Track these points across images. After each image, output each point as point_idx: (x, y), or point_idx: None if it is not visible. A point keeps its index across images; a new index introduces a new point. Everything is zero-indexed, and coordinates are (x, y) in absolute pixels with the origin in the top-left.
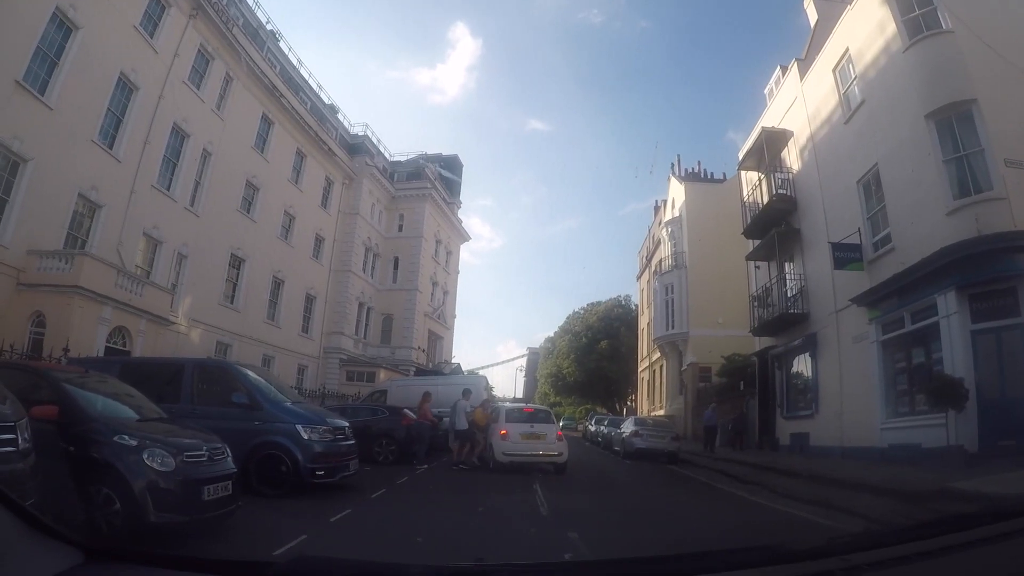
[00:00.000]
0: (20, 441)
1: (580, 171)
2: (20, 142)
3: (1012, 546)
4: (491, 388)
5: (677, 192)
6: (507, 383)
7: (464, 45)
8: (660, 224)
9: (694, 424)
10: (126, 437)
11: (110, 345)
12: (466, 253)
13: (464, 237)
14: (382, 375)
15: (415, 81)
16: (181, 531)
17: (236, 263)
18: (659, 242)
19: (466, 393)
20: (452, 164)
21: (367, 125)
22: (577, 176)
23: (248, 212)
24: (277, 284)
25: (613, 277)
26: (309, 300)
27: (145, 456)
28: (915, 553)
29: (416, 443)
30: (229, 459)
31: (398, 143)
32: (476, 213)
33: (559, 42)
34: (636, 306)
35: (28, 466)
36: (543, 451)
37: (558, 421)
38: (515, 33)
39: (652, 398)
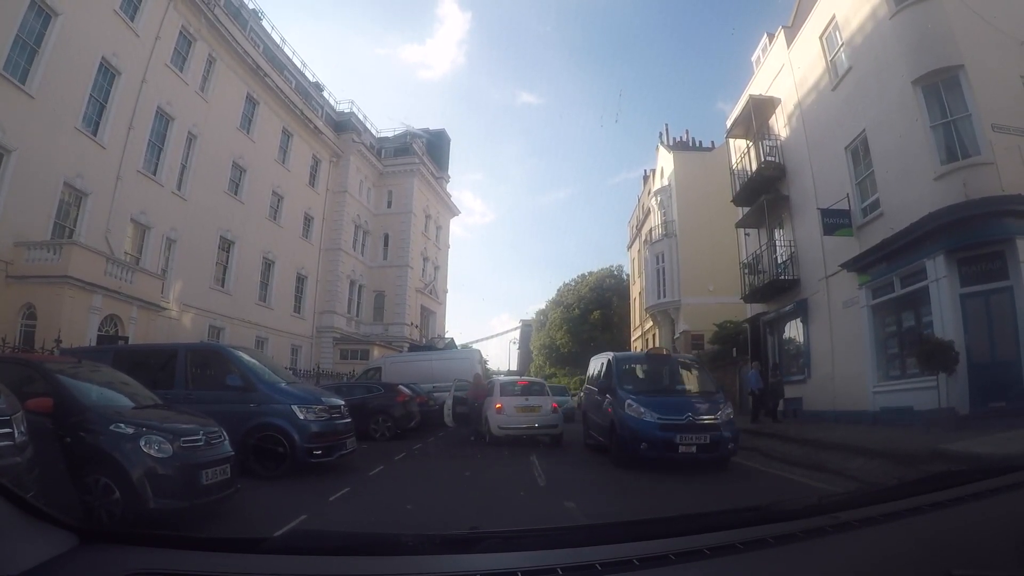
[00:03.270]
0: (16, 435)
1: (570, 142)
2: (2, 133)
3: (1000, 501)
4: (485, 361)
5: (666, 161)
6: (501, 356)
7: (453, 19)
8: (649, 193)
9: None
10: (122, 425)
11: (102, 333)
12: (459, 228)
13: (453, 211)
14: (376, 352)
15: (404, 58)
16: (181, 516)
17: (226, 246)
18: (649, 211)
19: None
20: (439, 138)
21: (353, 102)
22: (567, 147)
23: (236, 194)
24: (268, 265)
25: (605, 247)
26: (300, 280)
27: (142, 443)
28: (905, 509)
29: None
30: (226, 442)
31: (388, 120)
32: (468, 188)
33: (550, 13)
34: (627, 276)
35: (25, 459)
36: (539, 424)
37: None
38: (505, 4)
39: None
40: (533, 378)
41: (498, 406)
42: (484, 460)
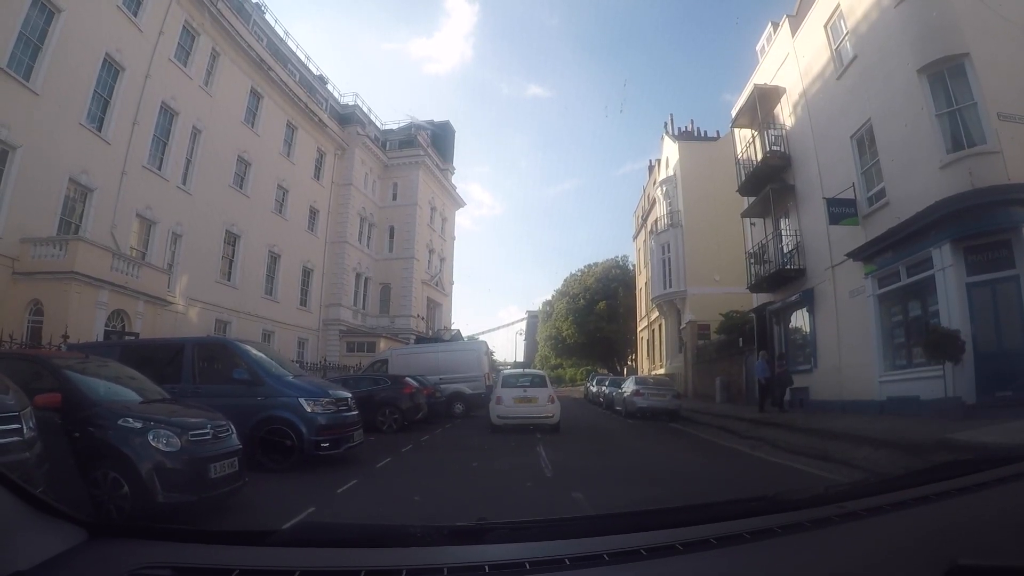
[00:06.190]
0: (25, 430)
1: (577, 134)
2: (7, 130)
3: (1007, 491)
4: (491, 353)
5: (671, 151)
6: (508, 347)
7: (460, 13)
8: (655, 183)
9: (694, 382)
10: (130, 420)
11: (109, 328)
12: (467, 220)
13: (459, 203)
14: (382, 344)
15: (412, 52)
16: (190, 510)
17: (231, 240)
18: (654, 202)
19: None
20: (444, 130)
21: (357, 95)
22: (574, 139)
23: (241, 188)
24: (273, 259)
25: (611, 238)
26: (306, 273)
27: (150, 437)
28: (911, 499)
29: None
30: (234, 436)
31: (394, 113)
32: (476, 180)
33: (558, 4)
34: (633, 266)
35: (34, 455)
36: (535, 413)
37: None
38: None
39: (652, 357)
40: (534, 371)
41: (498, 397)
42: (491, 451)
